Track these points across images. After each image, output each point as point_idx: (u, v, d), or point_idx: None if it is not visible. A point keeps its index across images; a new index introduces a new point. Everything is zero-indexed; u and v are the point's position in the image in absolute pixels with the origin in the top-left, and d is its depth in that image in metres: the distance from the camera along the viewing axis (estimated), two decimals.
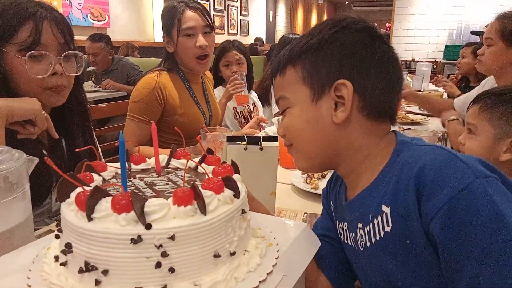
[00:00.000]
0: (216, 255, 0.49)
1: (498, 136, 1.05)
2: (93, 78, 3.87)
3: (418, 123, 2.35)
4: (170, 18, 1.58)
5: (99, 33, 3.93)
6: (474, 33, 4.94)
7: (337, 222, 0.75)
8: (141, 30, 5.85)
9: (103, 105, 2.15)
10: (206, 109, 1.75)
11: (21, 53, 0.93)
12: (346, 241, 0.72)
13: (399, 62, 0.67)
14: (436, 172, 0.53)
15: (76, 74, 1.04)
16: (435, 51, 6.96)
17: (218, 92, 2.18)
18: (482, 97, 1.12)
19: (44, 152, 1.03)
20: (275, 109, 2.60)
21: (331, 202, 0.78)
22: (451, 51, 6.40)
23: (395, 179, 0.58)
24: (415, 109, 2.72)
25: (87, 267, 0.46)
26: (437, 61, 6.58)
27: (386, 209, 0.58)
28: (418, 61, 5.33)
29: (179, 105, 1.62)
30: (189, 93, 1.68)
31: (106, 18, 5.26)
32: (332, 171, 0.77)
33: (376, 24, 0.73)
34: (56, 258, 0.51)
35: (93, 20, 5.07)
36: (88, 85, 3.64)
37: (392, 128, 0.69)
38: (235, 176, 0.58)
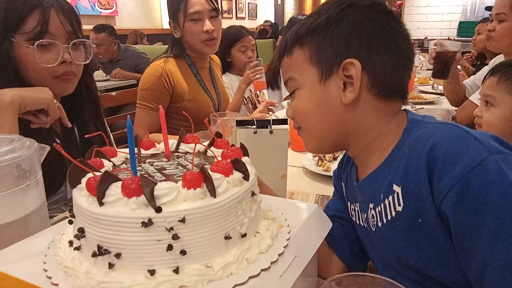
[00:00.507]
0: (227, 237, 0.49)
1: None
2: (100, 68, 3.89)
3: (431, 103, 2.31)
4: (176, 3, 1.57)
5: (102, 23, 3.91)
6: (488, 8, 4.79)
7: (348, 203, 0.74)
8: (148, 17, 5.83)
9: (113, 93, 2.16)
10: (214, 94, 1.74)
11: (29, 43, 0.94)
12: (358, 222, 0.71)
13: (410, 38, 0.65)
14: (448, 149, 0.52)
15: (84, 63, 1.05)
16: (448, 28, 6.80)
17: (227, 79, 2.17)
18: (499, 68, 1.08)
19: (58, 141, 1.04)
20: (285, 93, 2.58)
21: (343, 183, 0.77)
22: (465, 27, 6.24)
23: (406, 158, 0.57)
24: (429, 88, 2.67)
25: (100, 251, 0.46)
26: (451, 39, 6.42)
27: (397, 188, 0.57)
28: (431, 39, 5.21)
29: (187, 91, 1.62)
30: (197, 78, 1.68)
31: (113, 6, 5.24)
32: (344, 152, 0.76)
33: (386, 0, 0.71)
34: (70, 243, 0.52)
35: (100, 8, 5.06)
36: (98, 75, 3.66)
37: (404, 107, 0.67)
38: (244, 159, 0.57)
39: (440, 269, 0.56)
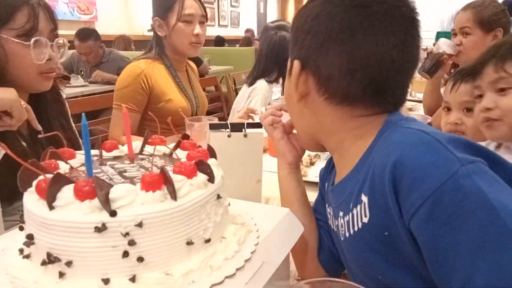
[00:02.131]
0: (189, 243, 0.46)
1: None
2: (82, 72, 3.82)
3: (409, 109, 2.33)
4: (169, 3, 1.58)
5: (85, 28, 3.83)
6: None
7: (327, 205, 0.72)
8: (130, 23, 5.77)
9: (91, 97, 2.11)
10: (192, 97, 1.73)
11: (20, 39, 0.93)
12: (332, 227, 0.69)
13: (391, 34, 0.55)
14: (416, 161, 0.47)
15: (61, 60, 1.05)
16: (425, 38, 6.95)
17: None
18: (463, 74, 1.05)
19: (24, 144, 1.00)
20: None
21: (326, 184, 0.74)
22: (443, 38, 6.39)
23: (373, 165, 0.53)
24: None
25: (50, 259, 0.43)
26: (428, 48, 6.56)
27: (364, 198, 0.54)
28: None
29: (166, 92, 1.61)
30: (175, 80, 1.67)
31: (93, 11, 5.17)
32: (326, 154, 0.75)
33: None
34: (21, 251, 0.48)
35: (80, 14, 4.98)
36: (77, 81, 3.58)
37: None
38: (211, 160, 0.55)
39: (410, 283, 0.52)
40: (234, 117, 1.96)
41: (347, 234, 0.60)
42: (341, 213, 0.61)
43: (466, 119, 1.09)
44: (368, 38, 0.55)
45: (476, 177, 0.45)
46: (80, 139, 1.20)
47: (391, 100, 0.59)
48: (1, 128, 0.84)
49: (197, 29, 1.60)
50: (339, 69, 0.57)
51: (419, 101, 2.43)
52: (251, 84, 2.31)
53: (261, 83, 2.29)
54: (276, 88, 2.85)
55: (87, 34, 3.57)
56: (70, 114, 1.19)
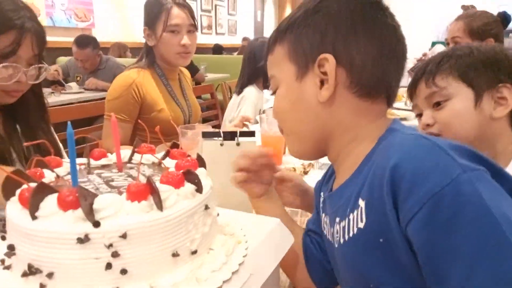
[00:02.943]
0: (175, 254, 0.45)
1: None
2: (78, 78, 3.81)
3: (404, 119, 2.33)
4: (156, 12, 1.56)
5: (84, 35, 3.83)
6: None
7: (322, 215, 0.70)
8: (127, 31, 5.77)
9: (86, 104, 2.10)
10: (185, 106, 1.72)
11: None
12: (327, 236, 0.67)
13: (398, 30, 0.60)
14: (416, 164, 0.47)
15: (34, 82, 1.03)
16: (420, 48, 7.00)
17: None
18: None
19: None
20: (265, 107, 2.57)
21: (322, 194, 0.73)
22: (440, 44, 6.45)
23: (373, 169, 0.53)
24: (401, 104, 2.71)
25: (31, 270, 0.42)
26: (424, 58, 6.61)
27: (361, 203, 0.53)
28: None
29: (157, 102, 1.59)
30: (167, 89, 1.65)
31: (90, 19, 5.17)
32: (320, 162, 0.74)
33: None
34: (2, 261, 0.47)
35: (77, 21, 4.98)
36: (72, 87, 3.57)
37: (393, 117, 0.63)
38: (200, 170, 0.54)
39: None
40: (228, 126, 1.96)
41: (341, 241, 0.59)
42: (337, 219, 0.60)
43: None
44: (386, 27, 0.59)
45: (477, 184, 0.44)
46: (60, 145, 1.20)
47: (393, 98, 0.62)
48: None
49: (184, 40, 1.57)
50: (372, 57, 0.58)
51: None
52: (239, 93, 2.32)
53: (249, 90, 2.29)
54: (272, 96, 2.84)
55: (86, 41, 3.57)
56: (50, 120, 1.18)
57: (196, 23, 1.65)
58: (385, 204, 0.48)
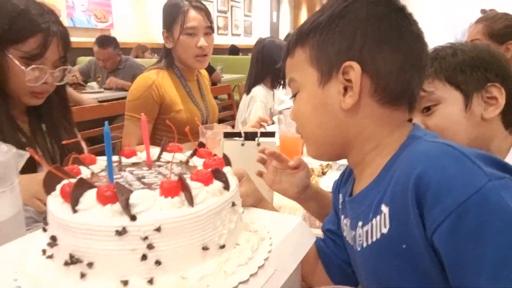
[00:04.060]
0: (205, 248, 0.48)
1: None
2: (99, 78, 3.89)
3: None
4: (173, 15, 1.59)
5: (105, 36, 3.92)
6: None
7: (342, 216, 0.71)
8: (145, 31, 5.86)
9: (104, 104, 2.15)
10: (203, 107, 1.75)
11: (22, 60, 0.98)
12: (347, 239, 0.68)
13: (422, 38, 0.60)
14: (443, 173, 0.46)
15: (60, 83, 1.09)
16: None
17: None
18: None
19: (23, 140, 1.04)
20: (275, 109, 2.59)
21: (340, 195, 0.74)
22: None
23: (396, 176, 0.53)
24: None
25: (72, 260, 0.45)
26: None
27: (385, 209, 0.54)
28: None
29: (176, 103, 1.62)
30: (185, 90, 1.68)
31: (109, 19, 5.27)
32: (338, 163, 0.74)
33: None
34: (44, 251, 0.50)
35: (96, 21, 5.08)
36: (92, 87, 3.66)
37: (414, 121, 0.64)
38: (226, 169, 0.56)
39: None
40: (245, 127, 1.98)
41: (364, 245, 0.59)
42: (360, 223, 0.61)
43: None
44: (411, 36, 0.59)
45: (503, 193, 0.44)
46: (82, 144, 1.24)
47: (415, 105, 0.62)
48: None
49: (201, 42, 1.59)
50: (398, 66, 0.58)
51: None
52: (247, 93, 2.33)
53: (258, 90, 2.30)
54: (287, 97, 2.85)
55: (107, 41, 3.66)
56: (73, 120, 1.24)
57: (213, 25, 1.66)
58: (409, 212, 0.49)
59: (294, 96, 0.66)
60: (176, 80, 1.67)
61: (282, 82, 2.36)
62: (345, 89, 0.58)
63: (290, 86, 0.67)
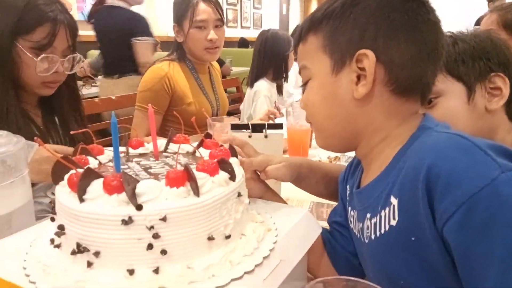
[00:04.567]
0: (210, 238, 0.48)
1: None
2: None
3: None
4: (183, 9, 1.60)
5: None
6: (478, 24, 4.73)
7: (349, 208, 0.70)
8: (154, 25, 5.83)
9: (113, 97, 2.16)
10: (213, 99, 1.75)
11: (32, 51, 0.99)
12: (354, 231, 0.68)
13: (439, 27, 0.59)
14: (454, 164, 0.46)
15: (71, 72, 1.10)
16: None
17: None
18: None
19: (36, 132, 1.06)
20: (285, 100, 2.58)
21: (348, 187, 0.73)
22: None
23: (406, 168, 0.52)
24: None
25: (79, 249, 0.45)
26: None
27: (394, 200, 0.53)
28: None
29: (187, 95, 1.63)
30: (197, 83, 1.69)
31: None
32: (347, 155, 0.73)
33: None
34: (52, 240, 0.51)
35: None
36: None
37: (423, 111, 0.63)
38: (232, 159, 0.56)
39: None
40: (253, 120, 1.98)
41: (372, 236, 0.59)
42: (368, 215, 0.60)
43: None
44: (428, 25, 0.58)
45: None
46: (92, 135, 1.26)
47: (428, 96, 0.61)
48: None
49: (211, 35, 1.59)
50: (412, 56, 0.57)
51: None
52: (251, 87, 2.32)
53: (261, 84, 2.29)
54: (297, 90, 2.84)
55: None
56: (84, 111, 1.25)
57: (223, 17, 1.66)
58: (419, 203, 0.48)
59: (305, 84, 0.65)
60: (188, 72, 1.68)
61: (284, 75, 2.34)
62: (358, 77, 0.57)
63: (301, 73, 0.66)
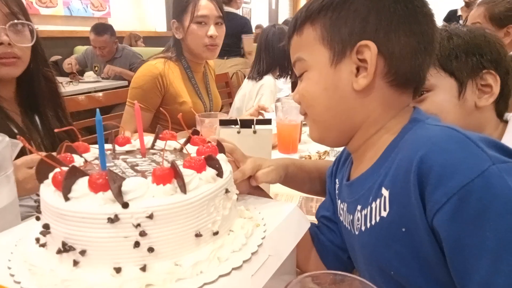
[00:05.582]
0: (198, 235, 0.48)
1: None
2: (96, 68, 3.87)
3: None
4: (184, 4, 1.58)
5: (102, 23, 3.89)
6: (452, 12, 4.65)
7: (338, 201, 0.71)
8: (141, 20, 5.80)
9: (100, 94, 2.14)
10: (207, 99, 1.74)
11: None
12: (344, 223, 0.68)
13: (434, 20, 0.60)
14: (446, 156, 0.46)
15: (27, 45, 1.02)
16: None
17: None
18: None
19: (15, 130, 1.02)
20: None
21: (337, 181, 0.73)
22: None
23: (398, 160, 0.53)
24: None
25: (65, 248, 0.45)
26: None
27: (385, 192, 0.53)
28: None
29: (180, 94, 1.61)
30: (191, 82, 1.67)
31: (106, 8, 5.21)
32: (336, 150, 0.73)
33: None
34: (37, 240, 0.50)
35: (93, 10, 5.03)
36: (89, 76, 3.64)
37: (413, 105, 0.63)
38: (220, 156, 0.56)
39: (422, 281, 0.52)
40: (242, 115, 1.98)
41: (363, 228, 0.59)
42: (358, 207, 0.60)
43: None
44: (425, 17, 0.58)
45: (507, 177, 0.44)
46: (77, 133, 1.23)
47: (420, 89, 0.62)
48: None
49: (211, 31, 1.57)
50: (412, 48, 0.57)
51: None
52: (257, 79, 2.32)
53: (269, 79, 2.30)
54: (286, 85, 2.84)
55: (103, 28, 3.63)
56: (66, 107, 1.20)
57: (224, 16, 1.63)
58: (410, 195, 0.48)
59: (299, 76, 0.64)
60: (183, 71, 1.66)
61: (290, 73, 2.35)
62: (358, 69, 0.57)
63: (296, 66, 0.65)
